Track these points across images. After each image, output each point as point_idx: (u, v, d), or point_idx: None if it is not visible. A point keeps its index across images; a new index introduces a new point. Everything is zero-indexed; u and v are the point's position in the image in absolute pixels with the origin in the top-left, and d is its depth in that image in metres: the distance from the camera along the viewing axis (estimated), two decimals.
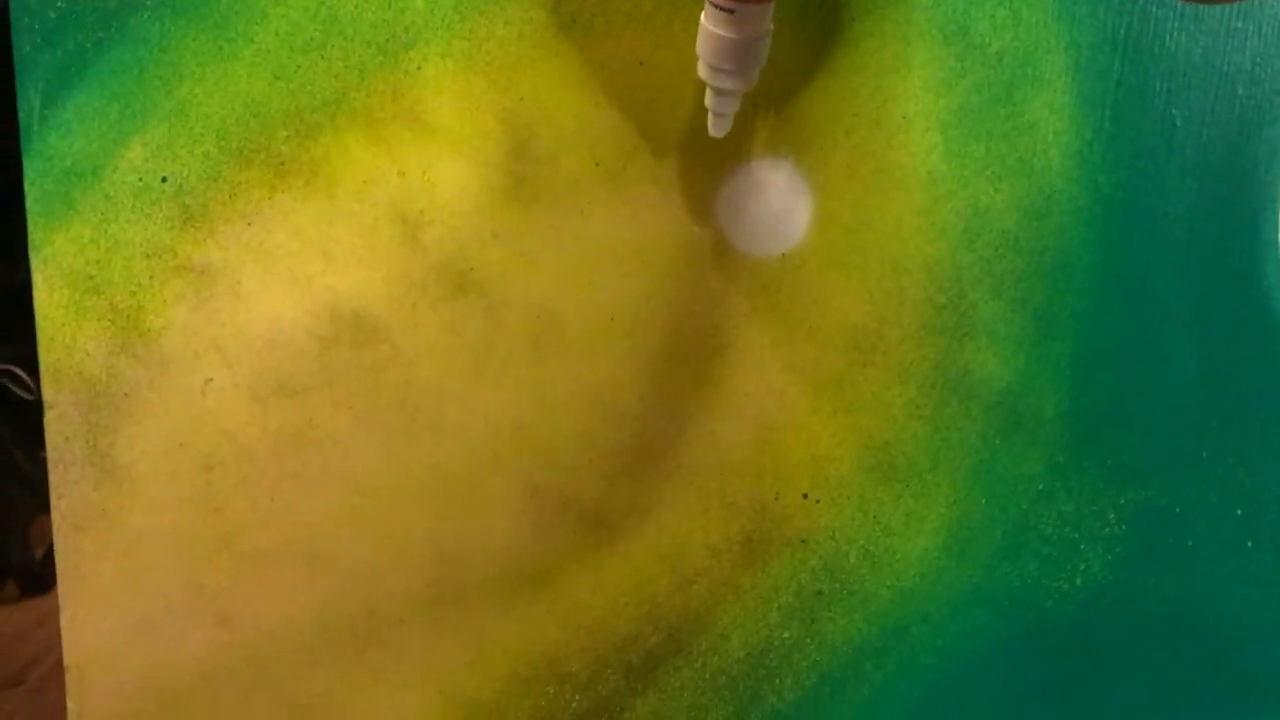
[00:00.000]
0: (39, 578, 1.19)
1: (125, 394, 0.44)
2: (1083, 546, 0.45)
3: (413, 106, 0.42)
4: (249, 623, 0.45)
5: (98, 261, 0.43)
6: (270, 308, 0.43)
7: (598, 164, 0.42)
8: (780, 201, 0.43)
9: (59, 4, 0.41)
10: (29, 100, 0.42)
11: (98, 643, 0.46)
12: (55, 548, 0.45)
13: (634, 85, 0.42)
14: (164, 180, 0.43)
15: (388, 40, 0.42)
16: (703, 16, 0.37)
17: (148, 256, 0.43)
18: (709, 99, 0.39)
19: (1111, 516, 0.45)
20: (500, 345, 0.43)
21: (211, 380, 0.44)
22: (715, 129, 0.40)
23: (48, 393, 0.44)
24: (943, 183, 0.42)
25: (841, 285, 0.43)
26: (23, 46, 0.42)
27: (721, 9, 0.36)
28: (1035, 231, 0.43)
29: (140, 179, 0.43)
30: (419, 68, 0.42)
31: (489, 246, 0.43)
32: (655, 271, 0.43)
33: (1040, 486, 0.44)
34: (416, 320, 0.43)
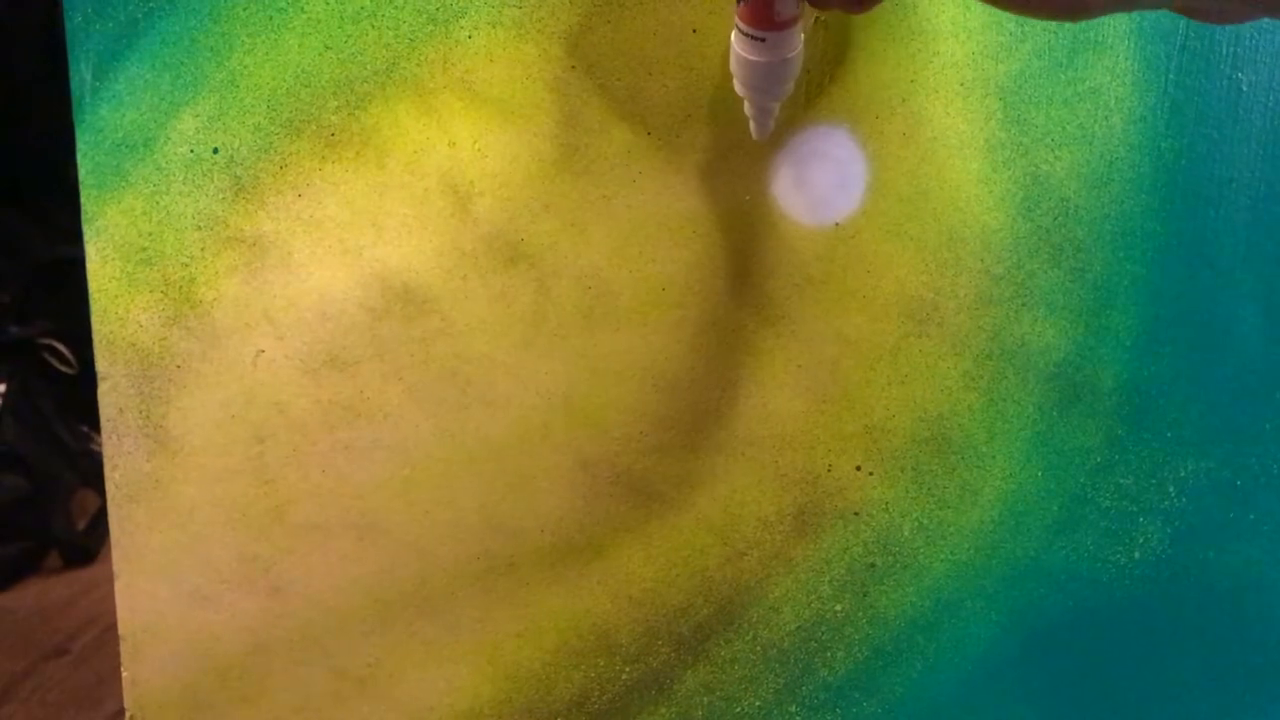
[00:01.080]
0: (81, 549, 1.21)
1: (178, 366, 0.44)
2: (1141, 520, 0.44)
3: (464, 76, 0.42)
4: (301, 593, 0.45)
5: (150, 233, 0.43)
6: (321, 279, 0.43)
7: (650, 133, 0.42)
8: (835, 170, 0.42)
9: None
10: (80, 72, 0.42)
11: (151, 613, 0.46)
12: (109, 518, 0.45)
13: (686, 53, 0.41)
14: (215, 151, 0.43)
15: (438, 9, 0.41)
16: (733, 39, 0.36)
17: (199, 228, 0.43)
18: (747, 108, 0.39)
19: (1171, 489, 0.44)
20: (551, 316, 0.43)
21: (263, 352, 0.44)
22: (757, 134, 0.40)
23: (101, 364, 0.44)
24: (1001, 150, 0.42)
25: (897, 255, 0.42)
26: (74, 17, 0.42)
27: (752, 37, 0.35)
28: (1096, 200, 0.42)
29: (192, 150, 0.43)
30: (470, 36, 0.41)
31: (540, 217, 0.42)
32: (708, 242, 0.42)
33: (1098, 459, 0.44)
34: (467, 292, 0.43)
